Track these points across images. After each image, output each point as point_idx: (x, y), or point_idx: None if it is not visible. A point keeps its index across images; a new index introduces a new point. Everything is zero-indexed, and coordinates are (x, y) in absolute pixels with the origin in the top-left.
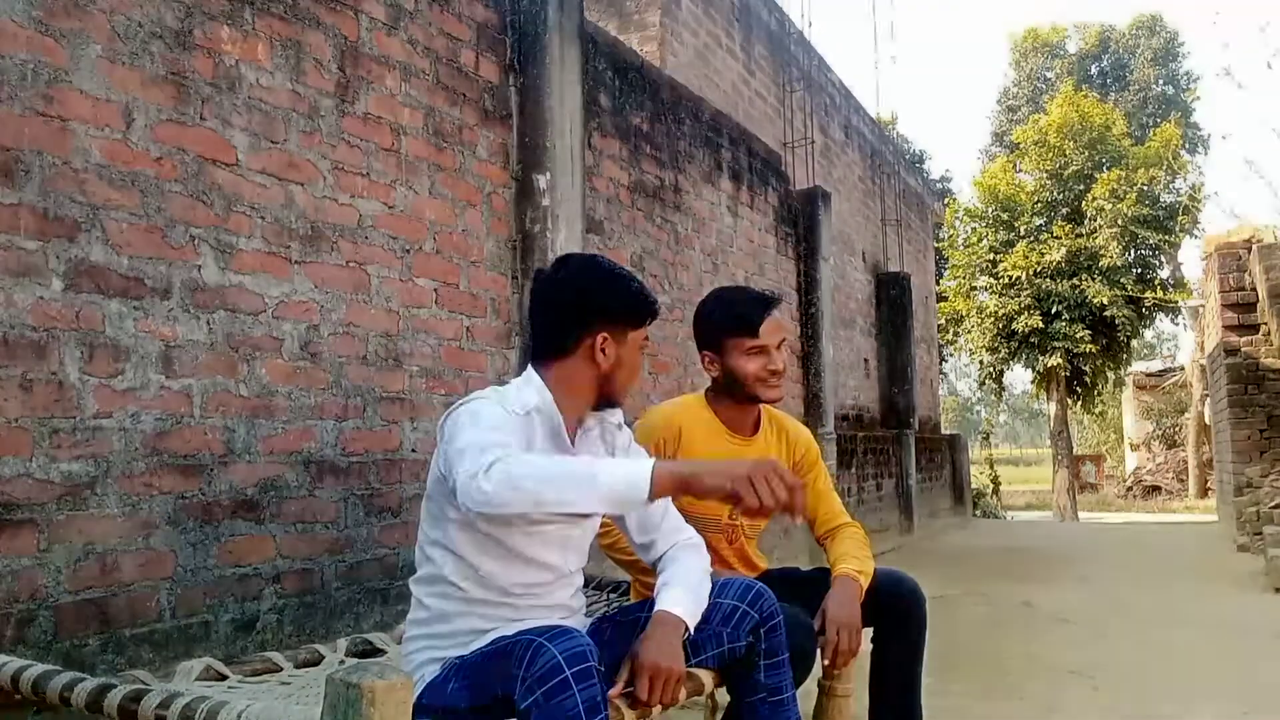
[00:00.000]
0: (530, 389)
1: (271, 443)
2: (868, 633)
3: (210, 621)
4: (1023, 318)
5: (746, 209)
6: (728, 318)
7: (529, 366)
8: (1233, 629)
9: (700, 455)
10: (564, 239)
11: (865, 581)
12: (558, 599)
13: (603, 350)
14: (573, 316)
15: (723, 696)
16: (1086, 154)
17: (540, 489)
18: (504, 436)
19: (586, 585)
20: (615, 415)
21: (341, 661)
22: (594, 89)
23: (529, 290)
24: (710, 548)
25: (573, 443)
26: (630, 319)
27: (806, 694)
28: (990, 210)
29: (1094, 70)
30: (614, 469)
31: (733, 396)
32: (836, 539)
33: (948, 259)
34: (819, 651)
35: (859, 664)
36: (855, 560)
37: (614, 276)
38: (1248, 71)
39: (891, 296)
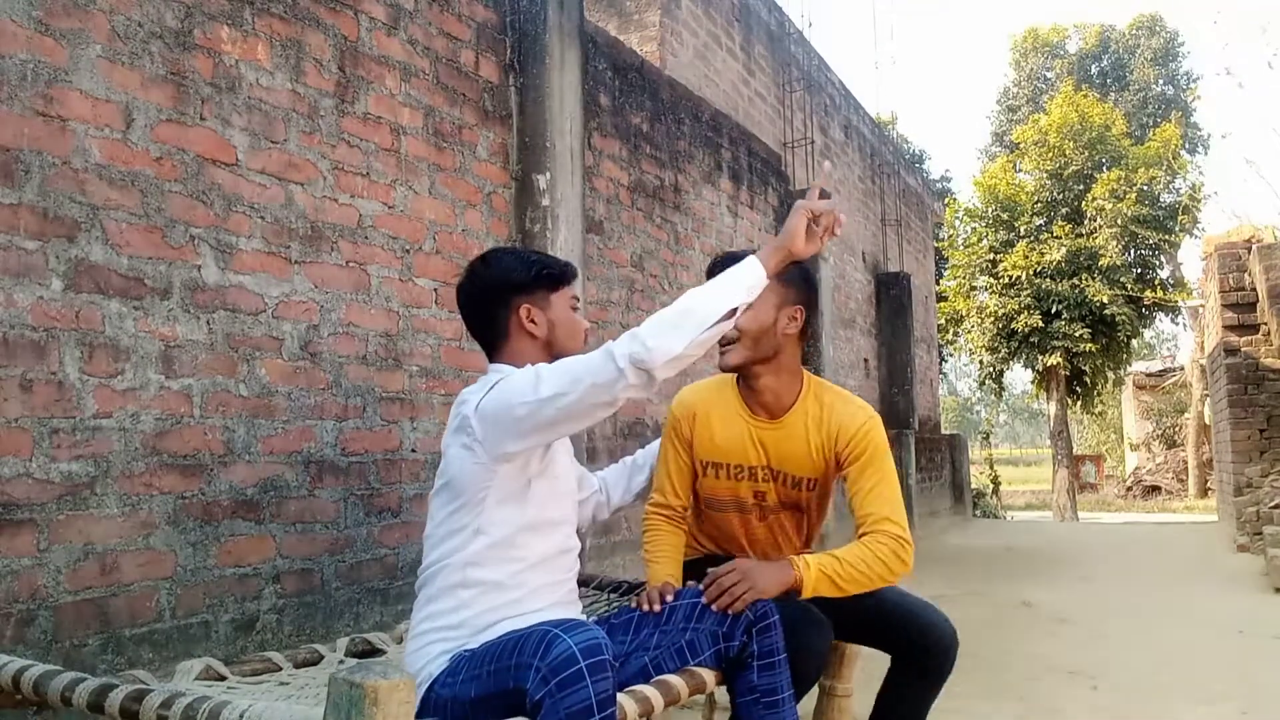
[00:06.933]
0: None
1: (271, 443)
2: (882, 654)
3: (210, 621)
4: (1023, 317)
5: (746, 209)
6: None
7: (489, 367)
8: (1233, 629)
9: (718, 438)
10: (564, 239)
11: (820, 587)
12: (565, 580)
13: (532, 320)
14: (493, 302)
15: (723, 696)
16: (1086, 154)
17: (686, 320)
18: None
19: (587, 585)
20: None
21: (341, 661)
22: (594, 89)
23: (457, 300)
24: (735, 536)
25: None
26: (544, 284)
27: (807, 693)
28: (990, 210)
29: (1094, 70)
30: (726, 278)
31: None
32: (857, 542)
33: (948, 259)
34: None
35: (864, 675)
36: (836, 563)
37: (515, 254)
38: (1248, 71)
39: (891, 296)
